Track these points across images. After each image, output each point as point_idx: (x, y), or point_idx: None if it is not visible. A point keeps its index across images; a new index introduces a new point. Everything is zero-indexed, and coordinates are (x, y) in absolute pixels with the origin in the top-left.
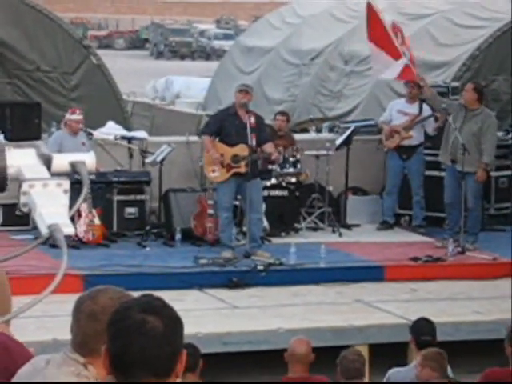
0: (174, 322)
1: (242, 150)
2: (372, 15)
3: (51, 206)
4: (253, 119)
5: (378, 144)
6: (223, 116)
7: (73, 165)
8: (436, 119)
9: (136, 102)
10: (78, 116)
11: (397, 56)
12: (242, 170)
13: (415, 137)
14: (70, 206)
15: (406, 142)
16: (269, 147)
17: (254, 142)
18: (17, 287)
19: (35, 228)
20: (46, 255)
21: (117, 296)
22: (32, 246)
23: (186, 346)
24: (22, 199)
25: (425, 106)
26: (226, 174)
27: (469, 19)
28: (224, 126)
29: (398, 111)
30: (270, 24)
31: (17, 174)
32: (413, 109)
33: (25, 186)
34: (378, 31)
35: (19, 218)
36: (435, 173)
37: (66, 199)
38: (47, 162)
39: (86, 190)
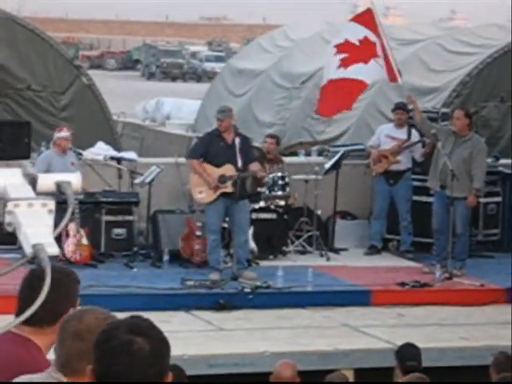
0: (160, 343)
1: (228, 170)
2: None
3: (36, 226)
4: (239, 140)
5: (366, 168)
6: (209, 138)
7: (58, 185)
8: (424, 145)
9: (126, 122)
10: (65, 133)
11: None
12: (229, 189)
13: (403, 162)
14: (56, 226)
15: (393, 167)
16: (254, 166)
17: (240, 163)
18: (2, 306)
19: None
20: None
21: (102, 316)
22: (16, 266)
23: (172, 367)
24: (7, 218)
25: (413, 132)
26: (213, 194)
27: (460, 45)
28: (210, 148)
29: (386, 136)
30: (262, 47)
31: (2, 193)
32: (401, 134)
33: (10, 206)
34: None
35: (6, 237)
36: (423, 198)
37: (50, 219)
38: (33, 181)
39: (70, 210)
